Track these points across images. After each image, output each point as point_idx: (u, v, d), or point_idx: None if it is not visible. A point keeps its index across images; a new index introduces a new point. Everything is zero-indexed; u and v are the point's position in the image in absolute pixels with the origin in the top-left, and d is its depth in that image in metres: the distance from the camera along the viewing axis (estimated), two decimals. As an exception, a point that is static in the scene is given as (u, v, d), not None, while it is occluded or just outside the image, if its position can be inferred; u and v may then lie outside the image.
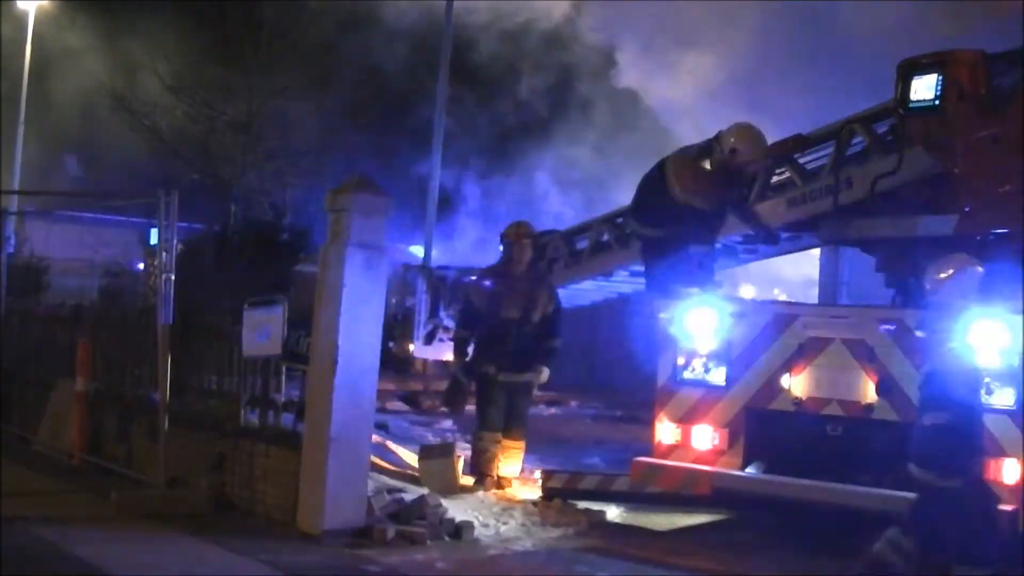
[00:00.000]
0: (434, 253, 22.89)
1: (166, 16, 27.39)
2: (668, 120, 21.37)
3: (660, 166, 9.39)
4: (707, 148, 9.21)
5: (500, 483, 9.58)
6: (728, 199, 9.30)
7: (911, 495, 6.87)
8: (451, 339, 10.56)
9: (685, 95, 21.08)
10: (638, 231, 9.74)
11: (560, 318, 10.01)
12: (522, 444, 9.83)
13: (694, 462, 8.36)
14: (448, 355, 16.43)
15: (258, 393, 8.86)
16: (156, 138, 26.74)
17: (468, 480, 9.56)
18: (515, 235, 9.96)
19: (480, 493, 9.28)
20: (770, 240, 10.16)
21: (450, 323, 16.20)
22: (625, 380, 15.51)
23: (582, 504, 9.06)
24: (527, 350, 9.74)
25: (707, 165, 9.18)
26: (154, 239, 9.78)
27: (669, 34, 21.74)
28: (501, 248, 10.14)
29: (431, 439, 11.82)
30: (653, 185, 9.41)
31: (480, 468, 9.57)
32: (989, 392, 7.24)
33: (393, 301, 18.98)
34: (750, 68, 19.38)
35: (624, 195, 12.35)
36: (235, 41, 26.07)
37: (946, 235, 8.30)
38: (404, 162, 28.77)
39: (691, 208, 9.02)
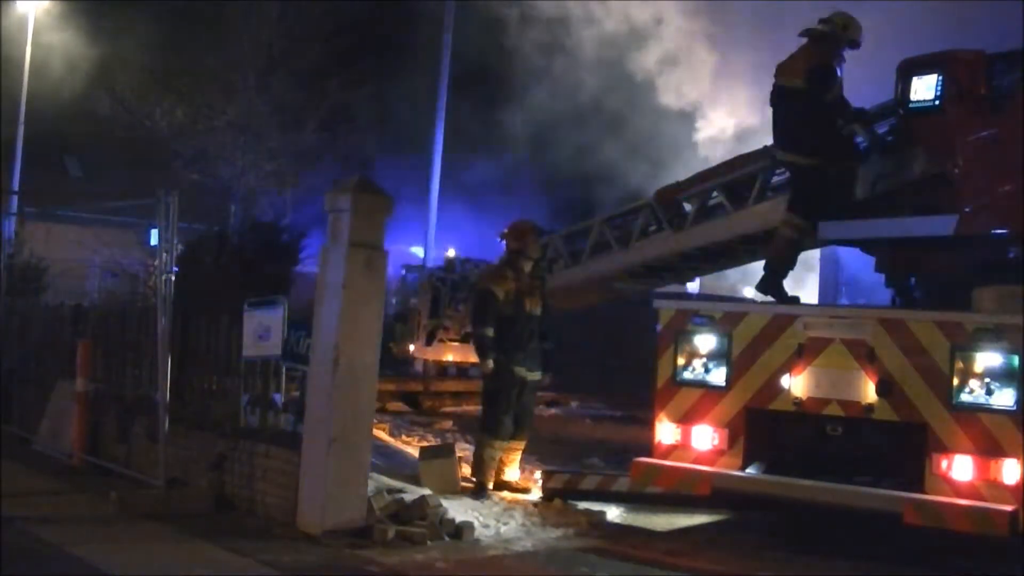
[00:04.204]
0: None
1: (166, 16, 27.42)
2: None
3: (796, 92, 9.00)
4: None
5: (510, 486, 9.45)
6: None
7: (911, 495, 6.85)
8: (474, 340, 9.89)
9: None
10: (794, 162, 9.11)
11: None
12: (524, 444, 9.74)
13: (694, 462, 8.36)
14: (449, 356, 16.60)
15: (258, 393, 8.87)
16: (156, 138, 26.71)
17: (467, 484, 9.46)
18: (529, 230, 9.76)
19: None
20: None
21: (449, 322, 16.22)
22: (625, 380, 15.50)
23: (582, 504, 9.06)
24: (537, 346, 9.61)
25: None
26: (154, 240, 9.77)
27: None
28: (507, 243, 9.82)
29: (431, 439, 11.82)
30: (802, 109, 8.94)
31: (482, 478, 9.33)
32: (989, 392, 7.25)
33: (394, 301, 19.02)
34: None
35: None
36: (235, 41, 26.07)
37: (946, 235, 8.30)
38: (404, 160, 28.78)
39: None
